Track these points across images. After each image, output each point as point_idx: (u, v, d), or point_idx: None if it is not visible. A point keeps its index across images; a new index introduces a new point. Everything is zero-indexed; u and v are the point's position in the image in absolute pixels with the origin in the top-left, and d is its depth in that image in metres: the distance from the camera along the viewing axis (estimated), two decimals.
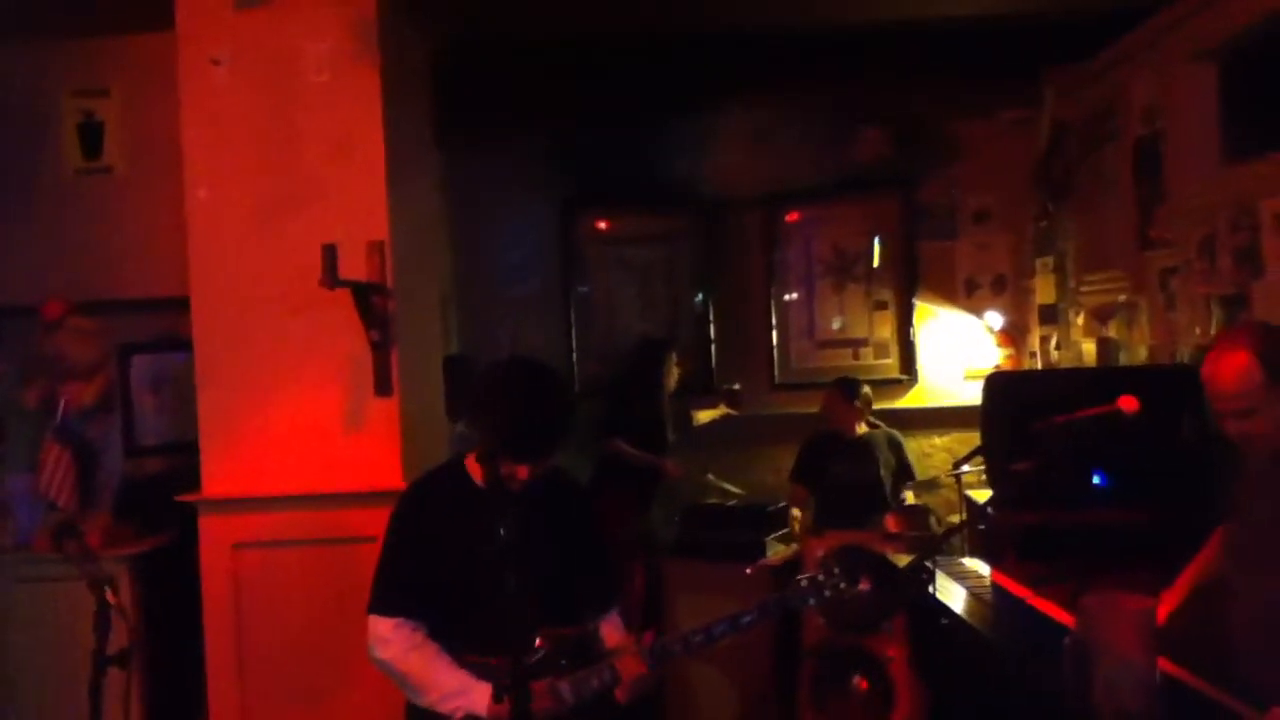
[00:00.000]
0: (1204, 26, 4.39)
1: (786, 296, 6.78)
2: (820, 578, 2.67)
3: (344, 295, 3.65)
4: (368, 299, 3.66)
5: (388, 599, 2.70)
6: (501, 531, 2.54)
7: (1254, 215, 4.05)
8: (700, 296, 6.79)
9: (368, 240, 3.69)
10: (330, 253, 3.41)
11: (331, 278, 3.43)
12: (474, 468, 2.69)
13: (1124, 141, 5.17)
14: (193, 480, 3.92)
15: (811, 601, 2.68)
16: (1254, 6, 4.03)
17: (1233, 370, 2.46)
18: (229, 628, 3.82)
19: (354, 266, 3.64)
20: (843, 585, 2.68)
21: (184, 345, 4.07)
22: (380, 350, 3.75)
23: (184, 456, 4.17)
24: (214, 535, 3.85)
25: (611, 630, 2.84)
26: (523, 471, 2.58)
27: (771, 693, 4.79)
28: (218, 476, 3.88)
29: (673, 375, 6.01)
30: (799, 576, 2.78)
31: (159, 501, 4.09)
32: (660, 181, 6.58)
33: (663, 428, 5.92)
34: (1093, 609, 2.47)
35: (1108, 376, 4.97)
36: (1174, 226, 4.72)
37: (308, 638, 3.78)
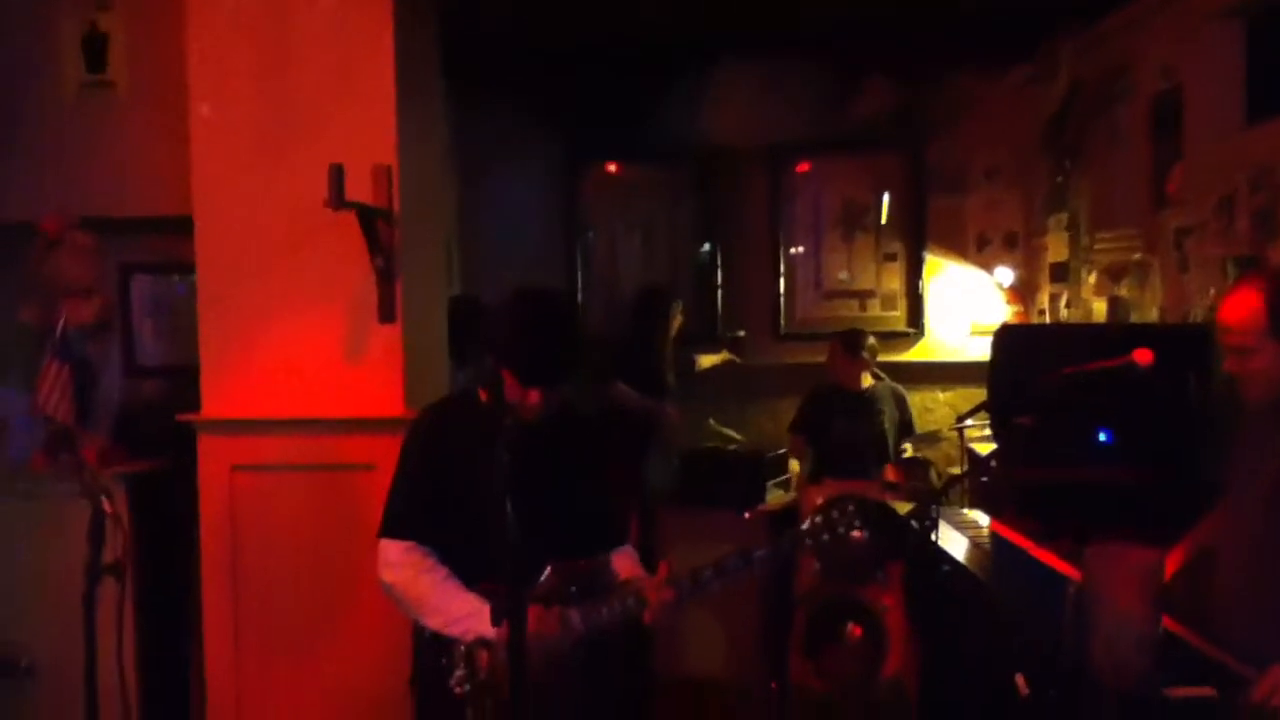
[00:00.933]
0: None
1: (794, 248, 6.73)
2: (821, 520, 2.65)
3: (349, 221, 3.59)
4: (373, 223, 3.60)
5: (398, 522, 2.69)
6: (507, 458, 2.53)
7: (1275, 176, 3.99)
8: (706, 246, 6.72)
9: (374, 164, 3.62)
10: (337, 172, 3.35)
11: (338, 198, 3.37)
12: (484, 397, 2.68)
13: (1139, 99, 5.09)
14: (192, 405, 3.89)
15: (813, 543, 2.66)
16: None
17: (1240, 307, 2.53)
18: (225, 549, 3.81)
19: (360, 191, 3.57)
20: (842, 530, 2.66)
21: (186, 267, 4.02)
22: (385, 277, 3.70)
23: (183, 380, 4.13)
24: (213, 456, 3.83)
25: (625, 564, 2.82)
26: (534, 396, 2.56)
27: (761, 640, 4.81)
28: (218, 398, 3.85)
29: (675, 325, 5.95)
30: (802, 521, 2.76)
31: (157, 424, 4.06)
32: (663, 132, 6.51)
33: (663, 376, 5.87)
34: (1098, 559, 2.44)
35: (1118, 333, 4.92)
36: (1191, 185, 4.66)
37: (304, 562, 3.77)
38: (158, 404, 4.40)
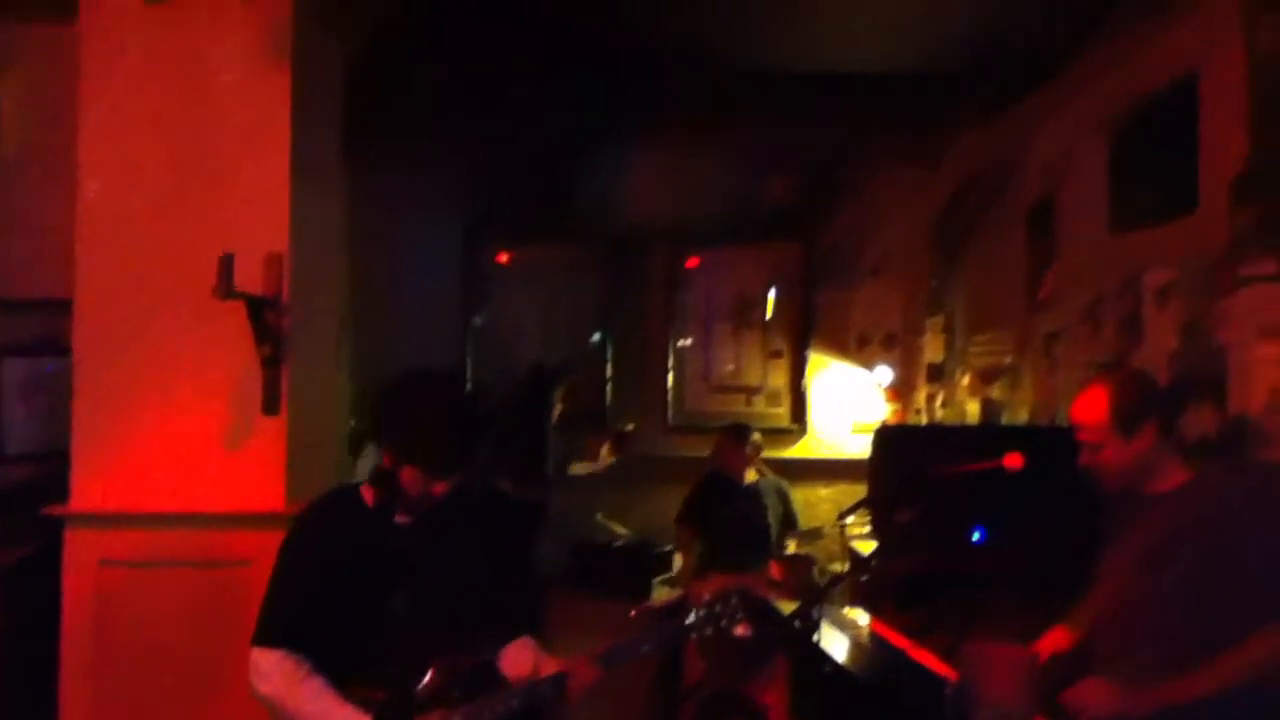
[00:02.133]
0: (1096, 96, 4.58)
1: (684, 339, 6.83)
2: (705, 613, 2.67)
3: (237, 307, 3.53)
4: (261, 313, 3.55)
5: (272, 630, 2.58)
6: (392, 560, 2.50)
7: (1137, 285, 4.23)
8: (599, 334, 6.78)
9: (266, 251, 3.58)
10: (226, 263, 3.31)
11: (226, 289, 3.32)
12: (368, 494, 2.63)
13: (1017, 204, 5.36)
14: (63, 491, 3.73)
15: (706, 633, 2.67)
16: (1142, 81, 4.23)
17: (1089, 406, 2.72)
18: (87, 649, 3.61)
19: (250, 278, 3.53)
20: (725, 624, 2.68)
21: (63, 350, 3.88)
22: (270, 367, 3.64)
23: (55, 466, 3.96)
24: (79, 551, 3.65)
25: (523, 655, 2.74)
26: (439, 488, 2.52)
27: None
28: (88, 490, 3.69)
29: (557, 408, 5.94)
30: (691, 609, 2.77)
31: (24, 512, 3.88)
32: (565, 215, 6.59)
33: (544, 461, 5.83)
34: (973, 657, 2.51)
35: (991, 434, 5.13)
36: (1061, 291, 4.90)
37: (176, 665, 3.60)
38: (26, 488, 4.20)
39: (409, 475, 2.52)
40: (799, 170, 6.70)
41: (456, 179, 6.50)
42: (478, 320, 6.71)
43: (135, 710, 3.59)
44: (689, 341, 6.84)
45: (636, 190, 6.59)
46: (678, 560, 5.46)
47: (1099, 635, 2.80)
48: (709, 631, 2.68)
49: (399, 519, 2.59)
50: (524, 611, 2.93)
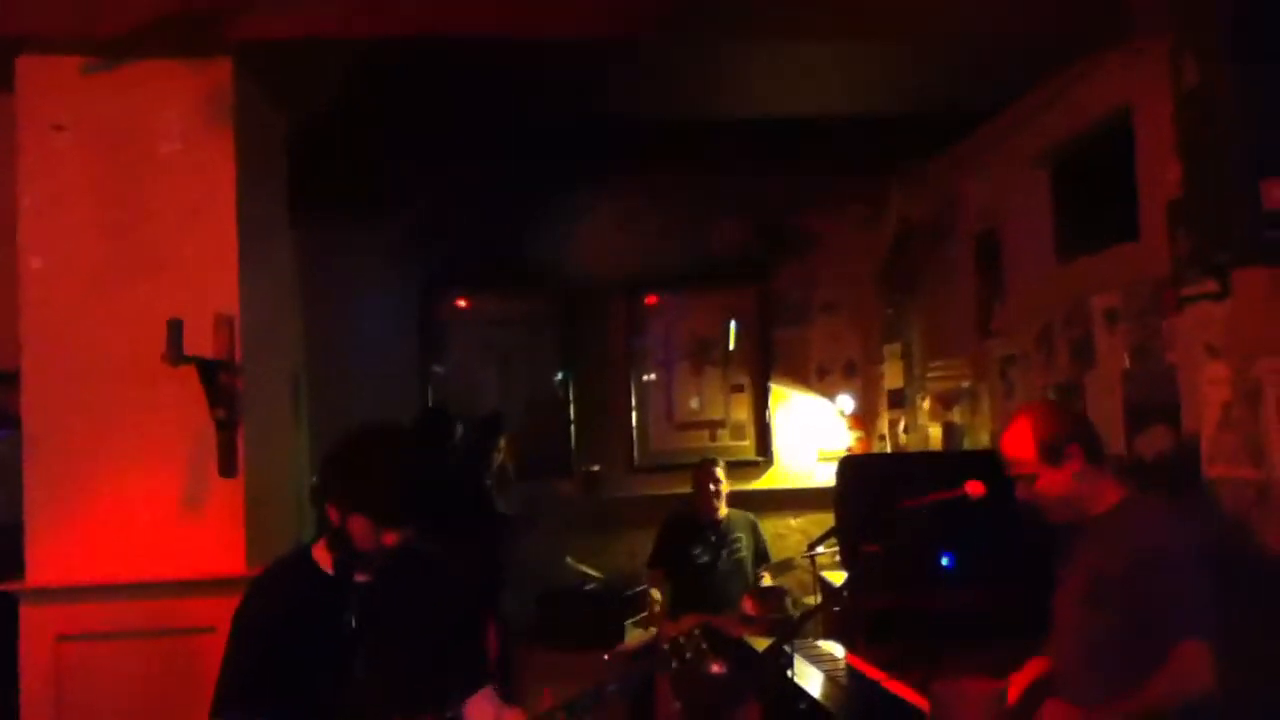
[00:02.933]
0: (1035, 133, 4.67)
1: (646, 378, 6.84)
2: (680, 641, 2.65)
3: (188, 372, 3.50)
4: (214, 376, 3.52)
5: (230, 700, 2.52)
6: (351, 622, 2.46)
7: (1085, 310, 4.29)
8: (560, 377, 6.76)
9: (215, 313, 3.55)
10: (175, 328, 3.28)
11: (176, 354, 3.29)
12: (322, 556, 2.59)
13: (964, 238, 5.43)
14: (16, 567, 3.66)
15: (671, 667, 2.66)
16: (1079, 117, 4.32)
17: (1013, 438, 2.82)
18: None
19: (200, 342, 3.50)
20: (691, 655, 2.66)
21: (11, 422, 3.82)
22: (225, 429, 3.60)
23: (6, 541, 3.88)
24: (36, 627, 3.57)
25: (484, 708, 2.71)
26: (390, 538, 2.48)
27: None
28: (43, 564, 3.62)
29: (499, 454, 5.87)
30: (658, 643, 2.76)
31: None
32: (522, 264, 6.58)
33: (489, 504, 5.72)
34: (944, 695, 2.51)
35: (953, 460, 5.16)
36: (1012, 319, 4.96)
37: None
38: None
39: (359, 527, 2.47)
40: (749, 215, 6.76)
41: (409, 234, 6.47)
42: (438, 369, 6.66)
43: None
44: (651, 379, 6.84)
45: (591, 240, 6.57)
46: (655, 596, 5.43)
47: (1055, 661, 2.85)
48: (674, 665, 2.67)
49: (355, 578, 2.54)
50: (483, 662, 2.88)
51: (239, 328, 3.64)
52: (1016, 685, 2.91)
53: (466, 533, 5.24)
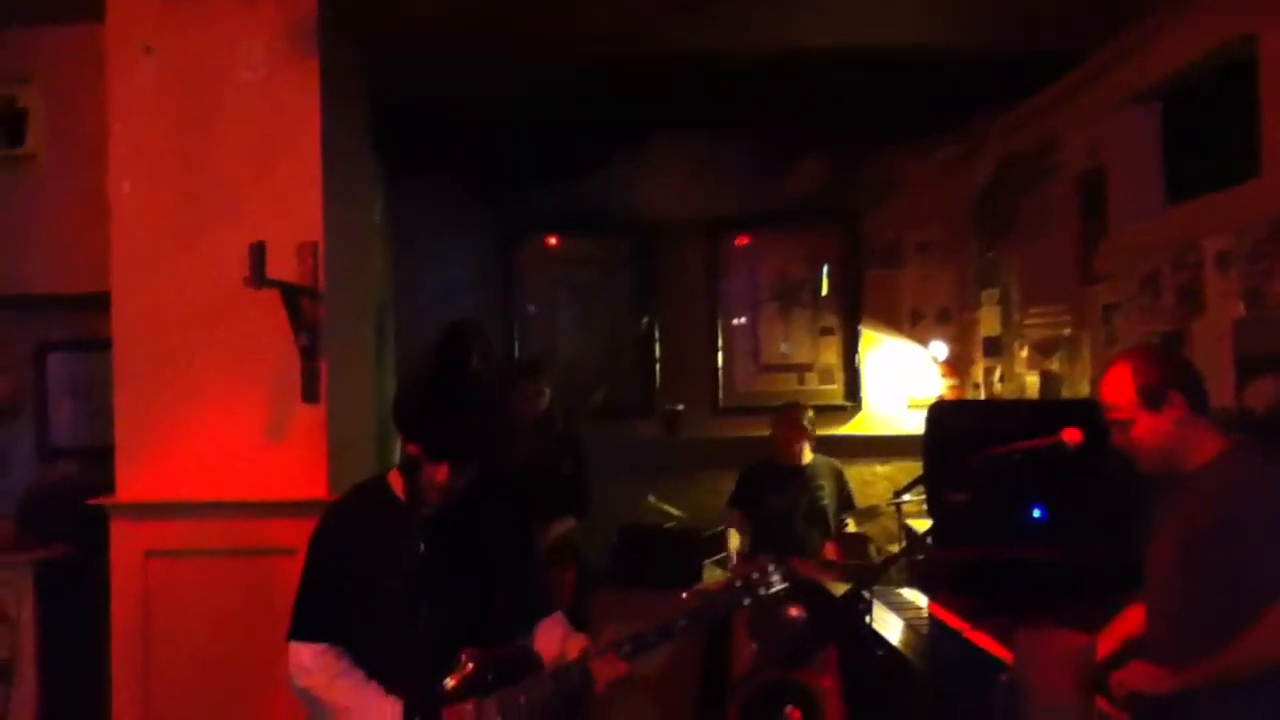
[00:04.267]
0: (1144, 65, 4.41)
1: (733, 321, 6.73)
2: (754, 577, 2.57)
3: (272, 298, 3.52)
4: (297, 301, 3.53)
5: (309, 624, 2.55)
6: (420, 549, 2.43)
7: (1196, 253, 4.06)
8: (645, 320, 6.70)
9: (299, 241, 3.56)
10: (258, 250, 3.28)
11: (259, 276, 3.30)
12: (397, 482, 2.58)
13: (1066, 177, 5.19)
14: (107, 488, 3.75)
15: (743, 603, 2.58)
16: (1192, 46, 4.06)
17: (1113, 382, 2.68)
18: (137, 638, 3.65)
19: (283, 268, 3.51)
20: (764, 591, 2.58)
21: (104, 345, 3.90)
22: (309, 356, 3.62)
23: (99, 462, 3.98)
24: (126, 541, 3.69)
25: (553, 634, 2.69)
26: (441, 474, 2.44)
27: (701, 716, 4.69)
28: (133, 481, 3.73)
29: (543, 400, 5.30)
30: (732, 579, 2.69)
31: (68, 508, 3.91)
32: (600, 205, 6.51)
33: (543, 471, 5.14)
34: (1029, 644, 2.41)
35: (1049, 409, 4.96)
36: (1116, 263, 4.73)
37: (221, 651, 3.62)
38: (71, 487, 4.24)
39: (415, 453, 2.44)
40: (836, 155, 6.53)
41: (492, 178, 6.42)
42: (522, 313, 6.64)
43: (185, 697, 3.62)
44: (738, 322, 6.74)
45: (670, 180, 6.42)
46: (731, 541, 5.37)
47: (1148, 615, 2.73)
48: (746, 602, 2.59)
49: (423, 506, 2.51)
50: (550, 591, 2.84)
51: (322, 255, 3.65)
52: (1106, 641, 2.80)
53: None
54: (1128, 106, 4.58)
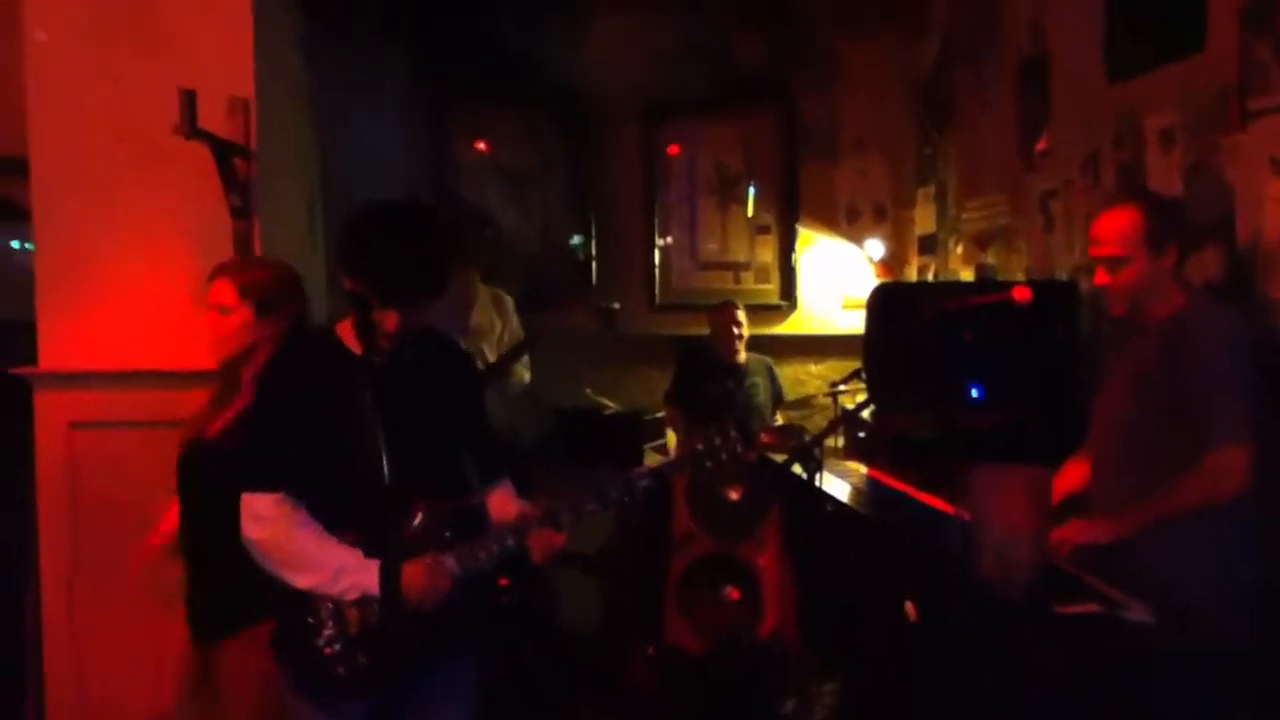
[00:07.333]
0: None
1: (668, 217, 6.66)
2: (715, 443, 2.55)
3: (201, 157, 3.36)
4: (228, 159, 3.37)
5: (266, 473, 2.45)
6: (374, 400, 2.37)
7: (1138, 132, 4.08)
8: (580, 210, 6.59)
9: (229, 95, 3.39)
10: (189, 98, 3.12)
11: (190, 126, 3.14)
12: (346, 333, 2.50)
13: (1007, 60, 5.17)
14: (28, 361, 3.59)
15: (706, 465, 2.57)
16: None
17: (1117, 218, 2.74)
18: (64, 512, 3.54)
19: (213, 124, 3.34)
20: (726, 456, 2.57)
21: (19, 212, 3.71)
22: (240, 218, 3.47)
23: (18, 335, 3.80)
24: (50, 412, 3.55)
25: (503, 499, 2.69)
26: (391, 321, 2.38)
27: (639, 598, 4.72)
28: (56, 350, 3.57)
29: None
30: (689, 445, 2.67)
31: None
32: (537, 82, 6.32)
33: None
34: (986, 479, 2.43)
35: (992, 287, 4.99)
36: (1057, 149, 4.75)
37: (148, 523, 3.49)
38: None
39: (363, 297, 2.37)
40: (773, 33, 6.40)
41: (420, 52, 6.19)
42: (452, 195, 6.47)
43: (113, 569, 3.49)
44: (673, 218, 6.68)
45: (601, 55, 6.23)
46: (671, 436, 5.37)
47: (1095, 459, 2.79)
48: (708, 465, 2.59)
49: (373, 358, 2.44)
50: (501, 457, 2.80)
51: (254, 112, 3.48)
52: (1058, 486, 2.84)
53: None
54: None
